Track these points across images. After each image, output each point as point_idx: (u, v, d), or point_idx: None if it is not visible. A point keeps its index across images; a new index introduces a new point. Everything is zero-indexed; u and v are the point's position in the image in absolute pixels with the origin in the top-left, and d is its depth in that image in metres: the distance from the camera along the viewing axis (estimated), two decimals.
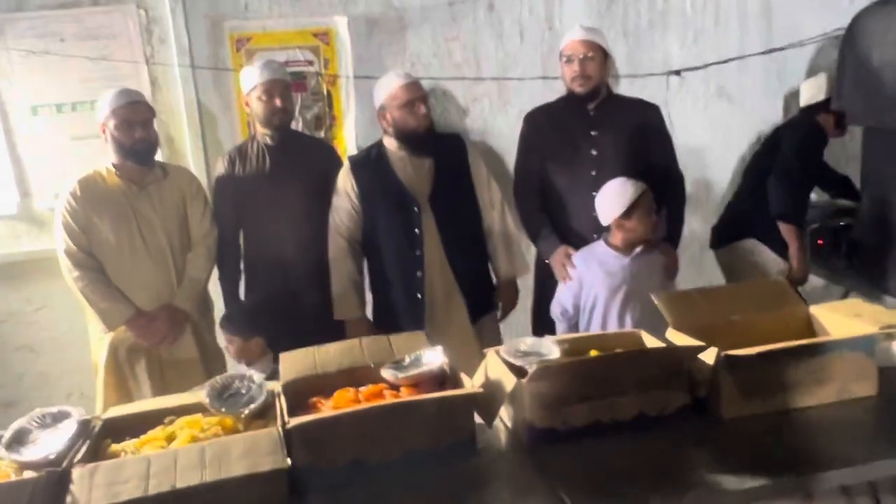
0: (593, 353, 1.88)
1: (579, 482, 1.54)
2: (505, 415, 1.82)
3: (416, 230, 2.77)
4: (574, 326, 2.77)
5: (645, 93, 3.39)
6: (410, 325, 2.61)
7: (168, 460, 1.46)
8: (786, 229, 3.30)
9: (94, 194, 2.70)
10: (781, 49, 3.69)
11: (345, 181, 2.84)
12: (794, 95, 3.67)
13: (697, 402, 1.78)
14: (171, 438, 1.65)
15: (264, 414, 1.75)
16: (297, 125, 3.32)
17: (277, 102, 2.83)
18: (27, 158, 3.22)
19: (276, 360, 2.42)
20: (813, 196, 3.63)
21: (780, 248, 3.35)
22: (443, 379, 1.80)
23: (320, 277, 2.87)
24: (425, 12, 3.45)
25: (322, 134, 3.45)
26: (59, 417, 1.69)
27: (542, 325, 2.96)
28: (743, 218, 3.50)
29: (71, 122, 3.21)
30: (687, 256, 3.38)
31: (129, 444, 1.65)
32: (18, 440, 1.63)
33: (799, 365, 1.77)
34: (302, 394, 1.77)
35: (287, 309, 2.81)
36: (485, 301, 2.96)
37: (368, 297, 2.97)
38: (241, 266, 2.98)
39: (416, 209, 2.77)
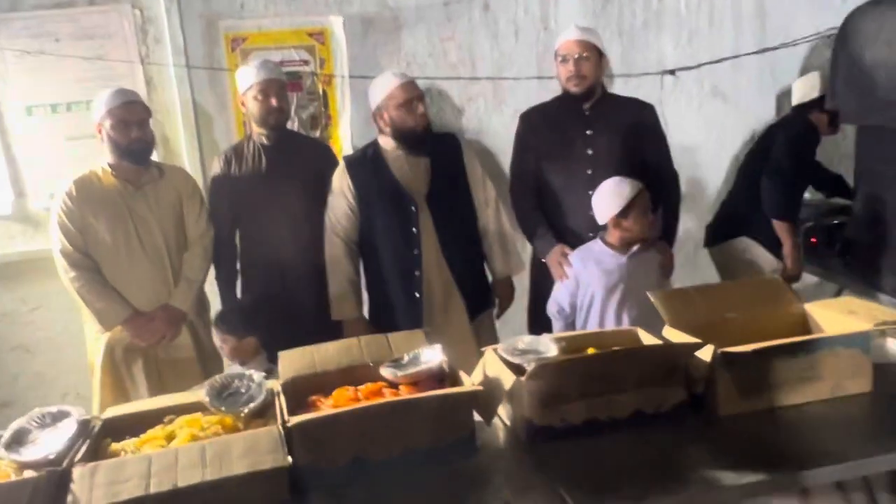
0: (591, 350, 1.89)
1: (578, 479, 1.55)
2: (503, 412, 1.83)
3: (414, 229, 2.78)
4: (571, 325, 2.78)
5: (639, 92, 3.41)
6: (408, 324, 2.61)
7: (169, 459, 1.46)
8: (780, 227, 3.32)
9: (90, 194, 2.70)
10: (775, 49, 3.72)
11: (341, 181, 2.84)
12: (787, 94, 3.69)
13: (694, 399, 1.79)
14: (170, 437, 1.65)
15: (264, 413, 1.75)
16: (293, 125, 3.32)
17: (273, 102, 2.83)
18: (22, 158, 3.20)
19: (269, 360, 2.44)
20: (807, 195, 3.66)
21: (774, 247, 3.37)
22: (442, 377, 1.80)
23: (317, 277, 2.87)
24: (420, 12, 3.46)
25: (318, 133, 3.45)
26: (59, 417, 1.69)
27: (539, 323, 2.97)
28: (737, 216, 3.52)
29: (66, 122, 3.20)
30: (682, 255, 3.40)
31: (128, 443, 1.65)
32: (18, 440, 1.63)
33: (795, 362, 1.78)
34: (301, 392, 1.78)
35: (283, 308, 2.81)
36: (482, 299, 2.97)
37: (364, 296, 2.97)
38: (238, 266, 2.98)
39: (413, 208, 2.78)
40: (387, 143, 2.84)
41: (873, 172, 3.24)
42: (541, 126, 2.98)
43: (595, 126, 2.88)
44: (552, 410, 1.70)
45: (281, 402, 1.70)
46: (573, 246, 2.81)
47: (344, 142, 3.47)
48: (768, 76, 3.83)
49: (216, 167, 2.94)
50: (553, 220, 2.94)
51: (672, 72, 3.69)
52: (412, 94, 2.77)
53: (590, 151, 2.87)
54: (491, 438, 1.76)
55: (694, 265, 3.73)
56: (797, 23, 3.74)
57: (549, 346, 1.88)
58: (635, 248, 2.68)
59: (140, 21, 3.20)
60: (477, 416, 1.72)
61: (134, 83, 3.15)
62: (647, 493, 1.48)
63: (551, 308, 2.83)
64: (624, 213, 2.62)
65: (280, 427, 1.57)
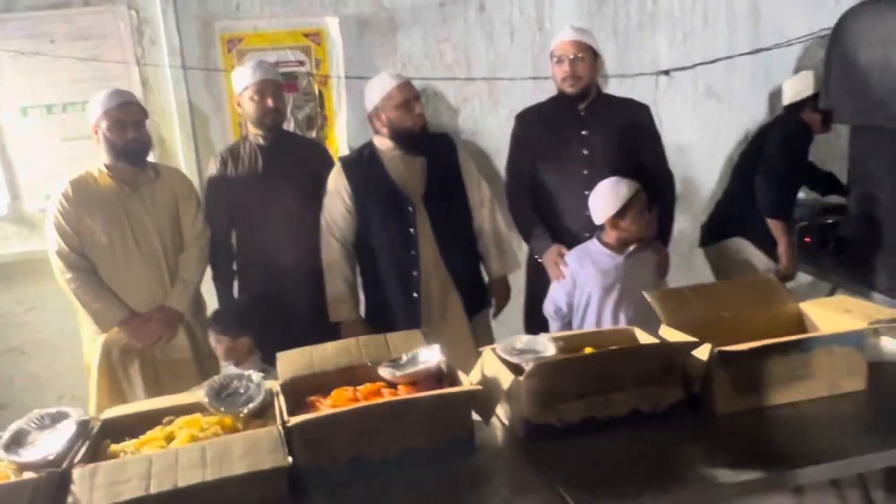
0: (588, 350, 1.90)
1: (576, 478, 1.56)
2: (502, 412, 1.84)
3: (411, 230, 2.78)
4: (567, 325, 2.79)
5: (634, 92, 3.42)
6: (406, 324, 2.61)
7: (169, 459, 1.46)
8: (774, 225, 3.34)
9: (86, 195, 2.69)
10: (769, 49, 3.74)
11: (337, 182, 2.84)
12: (779, 94, 3.71)
13: (691, 398, 1.80)
14: (170, 438, 1.66)
15: (263, 413, 1.75)
16: (289, 125, 3.32)
17: (269, 103, 2.84)
18: (17, 160, 3.20)
19: (264, 360, 2.45)
20: (801, 195, 3.68)
21: (768, 247, 3.39)
22: (440, 377, 1.81)
23: (313, 278, 2.87)
24: (416, 13, 3.46)
25: (314, 134, 3.46)
26: (58, 418, 1.69)
27: (535, 323, 2.98)
28: (731, 216, 3.54)
29: (61, 123, 3.19)
30: (676, 255, 3.40)
31: (128, 444, 1.66)
32: (17, 441, 1.63)
33: (790, 360, 1.80)
34: (299, 393, 1.78)
35: (278, 309, 2.81)
36: (479, 299, 2.98)
37: (360, 296, 2.98)
38: (235, 266, 2.98)
39: (410, 209, 2.78)
40: (383, 143, 2.84)
41: (866, 172, 3.26)
42: (536, 126, 2.99)
43: (590, 126, 2.89)
44: (550, 409, 1.71)
45: (280, 403, 1.70)
46: (569, 246, 2.82)
47: (340, 142, 3.47)
48: (762, 76, 3.85)
49: (212, 168, 2.94)
50: (549, 220, 2.94)
51: (666, 72, 3.71)
52: (409, 94, 2.77)
53: (585, 152, 2.88)
54: (489, 438, 1.77)
55: (689, 265, 3.75)
56: (791, 23, 3.76)
57: (546, 345, 1.89)
58: (632, 248, 2.69)
59: (136, 22, 3.20)
60: (475, 416, 1.73)
61: (129, 84, 3.14)
62: (644, 491, 1.49)
63: (548, 308, 2.84)
64: (621, 214, 2.63)
65: (280, 427, 1.57)
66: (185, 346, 2.83)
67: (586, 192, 2.76)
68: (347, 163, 2.89)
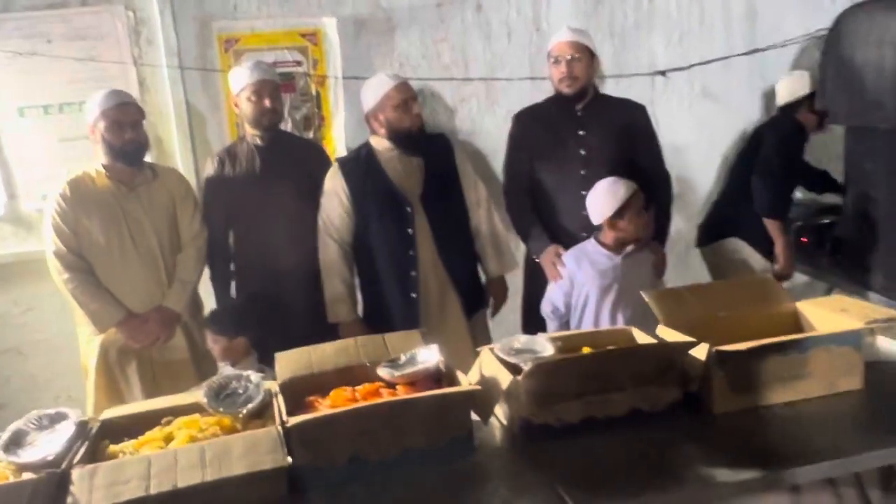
0: (586, 350, 1.91)
1: (575, 478, 1.56)
2: (500, 412, 1.84)
3: (410, 230, 2.78)
4: (565, 325, 2.79)
5: (631, 93, 3.43)
6: (405, 324, 2.60)
7: (169, 460, 1.47)
8: (771, 225, 3.35)
9: (83, 196, 2.69)
10: (765, 49, 3.74)
11: (334, 183, 2.84)
12: (774, 94, 3.72)
13: (689, 398, 1.81)
14: (169, 439, 1.66)
15: (262, 413, 1.76)
16: (287, 126, 3.32)
17: (267, 103, 2.84)
18: (14, 160, 3.19)
19: (261, 361, 2.45)
20: (798, 195, 3.69)
21: (765, 247, 3.40)
22: (438, 377, 1.82)
23: (311, 278, 2.87)
24: (413, 13, 3.46)
25: (311, 134, 3.46)
26: (57, 419, 1.69)
27: (532, 322, 2.98)
28: (728, 216, 3.54)
29: (58, 123, 3.19)
30: (673, 255, 3.40)
31: (127, 444, 1.66)
32: (16, 442, 1.63)
33: (788, 360, 1.80)
34: (298, 393, 1.78)
35: (275, 309, 2.80)
36: (477, 299, 2.98)
37: (358, 297, 2.98)
38: (233, 267, 2.98)
39: (408, 209, 2.78)
40: (380, 143, 2.84)
41: (862, 172, 3.27)
42: (533, 126, 3.00)
43: (587, 127, 2.90)
44: (549, 409, 1.71)
45: (279, 403, 1.70)
46: (567, 246, 2.83)
47: (337, 143, 3.47)
48: (758, 77, 3.86)
49: (210, 168, 2.94)
50: (546, 220, 2.95)
51: (663, 72, 3.72)
52: (407, 94, 2.78)
53: (582, 152, 2.89)
54: (488, 438, 1.77)
55: (685, 265, 3.76)
56: (787, 24, 3.76)
57: (545, 345, 1.89)
58: (629, 248, 2.69)
59: (133, 22, 3.20)
60: (474, 416, 1.73)
61: (127, 84, 3.14)
62: (643, 491, 1.50)
63: (545, 308, 2.84)
64: (619, 214, 2.64)
65: (279, 427, 1.58)
66: (183, 347, 2.83)
67: (583, 193, 2.76)
68: (344, 163, 2.89)
